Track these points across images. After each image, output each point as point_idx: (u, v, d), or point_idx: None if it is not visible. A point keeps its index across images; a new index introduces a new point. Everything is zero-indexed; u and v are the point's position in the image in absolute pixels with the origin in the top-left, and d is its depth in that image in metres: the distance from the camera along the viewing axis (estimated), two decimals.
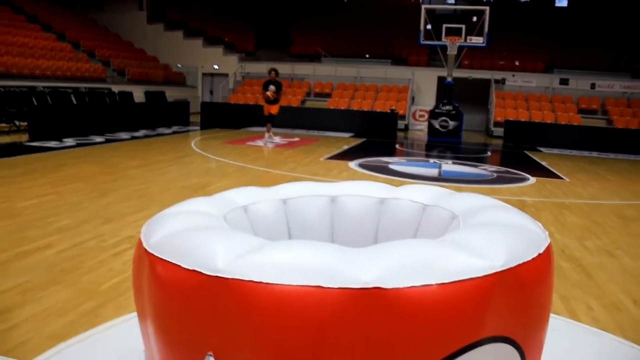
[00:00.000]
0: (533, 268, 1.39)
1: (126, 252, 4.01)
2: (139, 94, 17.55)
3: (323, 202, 2.11)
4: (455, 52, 16.00)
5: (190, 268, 1.23)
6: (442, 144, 15.09)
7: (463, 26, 16.19)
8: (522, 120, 17.10)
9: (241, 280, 1.17)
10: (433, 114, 16.23)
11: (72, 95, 14.57)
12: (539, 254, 1.44)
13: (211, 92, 24.02)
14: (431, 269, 1.21)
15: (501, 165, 11.16)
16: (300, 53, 23.36)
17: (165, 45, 24.42)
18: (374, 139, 15.01)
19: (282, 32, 25.92)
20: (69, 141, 10.85)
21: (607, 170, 10.66)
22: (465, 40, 15.96)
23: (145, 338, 1.44)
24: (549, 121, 17.13)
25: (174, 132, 14.00)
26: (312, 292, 1.13)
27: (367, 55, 22.67)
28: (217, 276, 1.19)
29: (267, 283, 1.15)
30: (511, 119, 16.99)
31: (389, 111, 17.15)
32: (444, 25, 16.29)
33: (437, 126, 16.04)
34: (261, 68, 21.88)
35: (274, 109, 12.18)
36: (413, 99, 20.67)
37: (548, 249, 1.53)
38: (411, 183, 7.56)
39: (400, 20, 25.29)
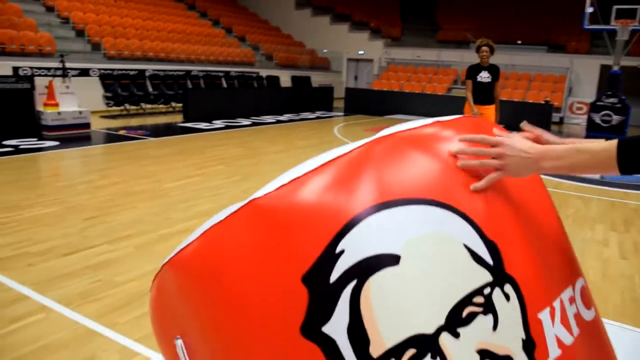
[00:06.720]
0: None
1: None
2: (285, 78, 17.99)
3: None
4: (626, 37, 14.30)
5: None
6: None
7: (638, 7, 14.42)
8: None
9: None
10: (594, 107, 14.71)
11: (223, 79, 15.28)
12: None
13: (355, 78, 24.01)
14: None
15: None
16: (447, 39, 22.46)
17: (312, 30, 24.82)
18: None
19: (429, 17, 25.12)
20: (218, 123, 11.31)
21: None
22: None
23: None
24: None
25: (317, 117, 14.08)
26: None
27: (520, 42, 21.19)
28: None
29: None
30: None
31: (542, 102, 15.87)
32: (614, 7, 14.62)
33: (598, 120, 14.52)
34: (406, 54, 21.39)
35: (490, 114, 6.63)
36: (570, 89, 18.98)
37: None
38: (568, 185, 6.86)
39: (557, 2, 23.32)
